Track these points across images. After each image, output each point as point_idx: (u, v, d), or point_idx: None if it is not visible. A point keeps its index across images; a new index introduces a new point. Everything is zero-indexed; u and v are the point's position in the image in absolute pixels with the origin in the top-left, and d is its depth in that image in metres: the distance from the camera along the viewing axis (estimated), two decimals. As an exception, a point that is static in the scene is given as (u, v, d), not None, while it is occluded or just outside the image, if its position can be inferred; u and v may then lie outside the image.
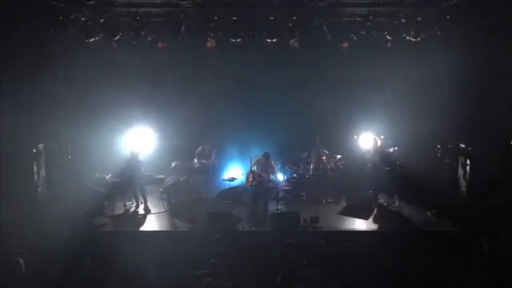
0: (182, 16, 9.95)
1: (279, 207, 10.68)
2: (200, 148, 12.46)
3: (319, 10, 9.96)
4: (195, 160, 12.29)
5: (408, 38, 9.95)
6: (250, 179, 10.85)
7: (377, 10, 9.86)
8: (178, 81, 12.89)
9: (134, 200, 11.26)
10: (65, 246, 8.02)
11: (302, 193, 12.09)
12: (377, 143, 11.64)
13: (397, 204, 11.13)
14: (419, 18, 9.78)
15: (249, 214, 10.55)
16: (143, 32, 9.96)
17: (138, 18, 9.78)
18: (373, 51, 11.26)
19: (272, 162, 10.86)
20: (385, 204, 11.26)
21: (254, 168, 10.83)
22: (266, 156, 10.74)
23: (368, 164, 11.76)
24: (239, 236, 9.50)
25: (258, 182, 10.67)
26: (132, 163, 11.05)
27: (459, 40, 10.05)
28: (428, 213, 10.66)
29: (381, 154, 11.54)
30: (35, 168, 10.67)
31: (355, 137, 12.41)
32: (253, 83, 13.04)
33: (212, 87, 12.85)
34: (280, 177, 12.11)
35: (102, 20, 9.83)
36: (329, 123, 12.85)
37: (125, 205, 11.11)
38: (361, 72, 12.35)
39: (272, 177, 10.81)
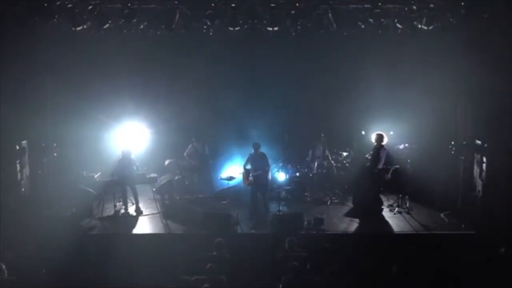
0: (176, 2, 9.92)
1: (281, 208, 10.71)
2: (190, 148, 12.38)
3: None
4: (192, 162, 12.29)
5: (419, 26, 9.92)
6: (246, 178, 10.96)
7: (386, -4, 9.84)
8: (173, 73, 12.84)
9: (122, 202, 11.24)
10: (51, 250, 8.01)
11: (306, 193, 12.08)
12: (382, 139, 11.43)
13: (407, 205, 11.12)
14: (432, 5, 9.75)
15: (248, 215, 10.59)
16: (134, 20, 9.94)
17: (129, 4, 9.76)
18: (382, 42, 11.24)
19: (264, 154, 10.95)
20: (395, 205, 11.25)
21: (248, 166, 10.96)
22: (255, 147, 10.86)
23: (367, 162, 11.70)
24: (238, 238, 9.49)
25: (254, 178, 10.78)
26: (124, 163, 11.03)
27: (474, 29, 10.02)
28: (441, 214, 10.65)
29: (390, 152, 11.50)
30: (18, 166, 10.65)
31: (362, 133, 12.39)
32: (253, 76, 13.06)
33: (210, 80, 12.83)
34: (282, 176, 12.11)
35: (90, 7, 9.81)
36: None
37: (115, 206, 11.07)
38: (369, 65, 12.31)
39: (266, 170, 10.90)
